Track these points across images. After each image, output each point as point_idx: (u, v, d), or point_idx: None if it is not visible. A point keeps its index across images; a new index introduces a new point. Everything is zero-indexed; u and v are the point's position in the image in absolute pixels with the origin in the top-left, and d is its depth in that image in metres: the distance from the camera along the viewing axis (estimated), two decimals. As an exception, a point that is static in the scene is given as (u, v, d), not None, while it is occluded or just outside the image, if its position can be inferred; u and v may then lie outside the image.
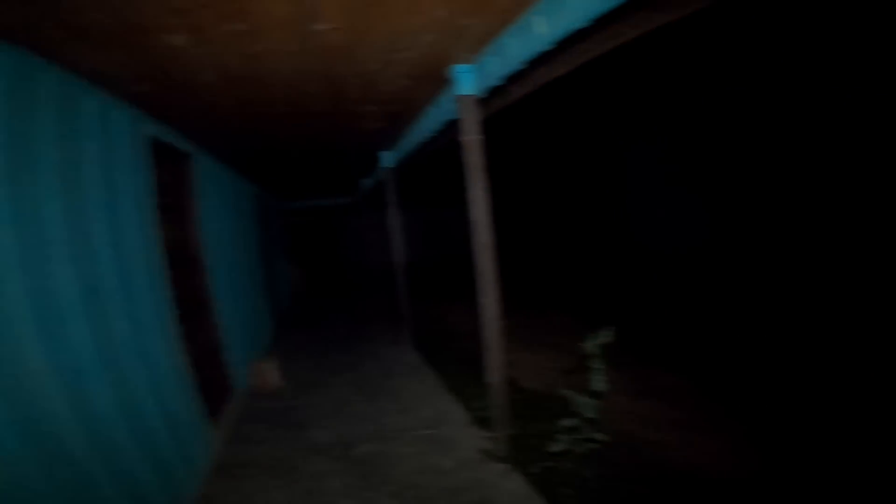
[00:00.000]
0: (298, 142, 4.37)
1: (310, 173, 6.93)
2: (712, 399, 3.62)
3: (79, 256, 2.09)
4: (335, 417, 3.68)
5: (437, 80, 2.89)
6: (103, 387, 2.10)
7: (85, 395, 1.97)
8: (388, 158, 5.49)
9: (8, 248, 1.67)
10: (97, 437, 1.96)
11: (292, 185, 8.35)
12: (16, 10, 1.49)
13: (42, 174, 1.92)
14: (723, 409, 3.44)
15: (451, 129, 3.22)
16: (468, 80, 2.69)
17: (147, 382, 2.50)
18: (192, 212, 3.93)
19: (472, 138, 2.69)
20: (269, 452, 3.17)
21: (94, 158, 2.32)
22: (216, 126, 3.45)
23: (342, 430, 3.43)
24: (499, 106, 2.84)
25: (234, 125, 3.46)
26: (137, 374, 2.43)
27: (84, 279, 2.09)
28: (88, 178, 2.26)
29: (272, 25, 1.88)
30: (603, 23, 1.78)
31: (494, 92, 2.66)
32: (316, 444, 3.24)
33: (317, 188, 9.43)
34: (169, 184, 3.50)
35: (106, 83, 2.33)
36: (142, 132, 2.92)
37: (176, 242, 3.44)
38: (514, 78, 2.44)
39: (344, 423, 3.55)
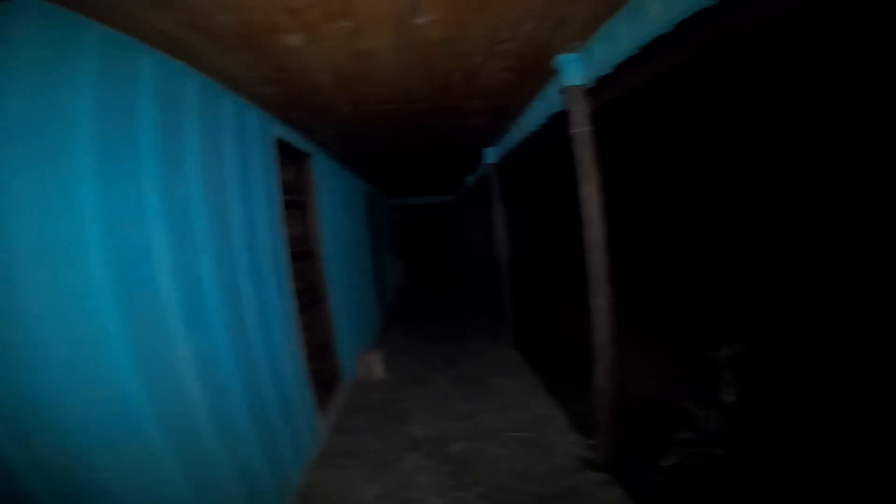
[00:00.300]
0: (406, 139, 4.55)
1: (417, 171, 7.20)
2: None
3: (219, 250, 2.34)
4: (434, 413, 3.77)
5: (541, 72, 2.83)
6: (233, 374, 2.32)
7: (217, 381, 2.18)
8: (491, 154, 5.52)
9: (163, 242, 1.91)
10: (224, 422, 2.16)
11: (400, 182, 8.74)
12: (155, 15, 1.71)
13: (190, 172, 2.18)
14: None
15: (558, 122, 3.14)
16: (575, 70, 2.61)
17: (269, 371, 2.72)
18: (312, 208, 4.28)
19: (581, 131, 2.60)
20: (369, 444, 3.33)
21: (231, 158, 2.59)
22: (332, 126, 3.71)
23: (439, 426, 3.51)
24: (610, 96, 2.72)
25: (348, 124, 3.69)
26: (262, 362, 2.66)
27: (222, 271, 2.34)
28: (228, 176, 2.53)
29: (376, 21, 1.97)
30: (731, 2, 1.62)
31: (604, 81, 2.54)
32: (413, 438, 3.35)
33: (423, 185, 9.78)
34: (291, 182, 3.87)
35: (239, 87, 2.60)
36: (270, 133, 3.23)
37: (297, 237, 3.80)
38: (626, 66, 2.31)
39: (442, 419, 3.63)
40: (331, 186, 5.05)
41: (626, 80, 2.48)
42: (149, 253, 1.86)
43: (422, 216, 14.43)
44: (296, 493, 2.76)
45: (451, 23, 2.06)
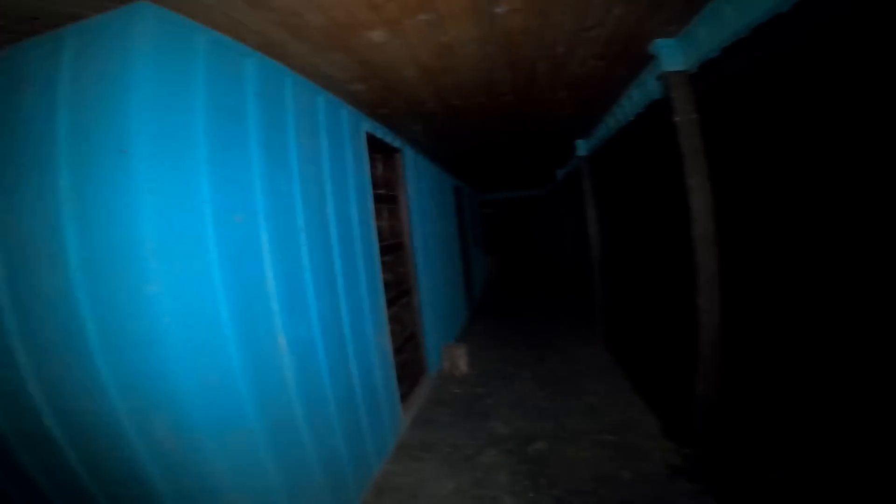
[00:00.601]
0: (493, 133, 4.53)
1: (504, 165, 7.15)
2: None
3: (316, 241, 2.49)
4: (516, 410, 3.75)
5: (635, 58, 2.70)
6: (325, 363, 2.45)
7: (310, 370, 2.32)
8: (582, 147, 5.34)
9: (268, 233, 2.08)
10: (314, 409, 2.30)
11: (488, 177, 8.74)
12: (251, 15, 1.84)
13: (290, 168, 2.35)
14: None
15: (657, 110, 2.98)
16: (675, 55, 2.45)
17: (358, 361, 2.85)
18: (402, 202, 4.43)
19: (685, 119, 2.45)
20: (448, 438, 3.38)
21: (326, 153, 2.74)
22: (419, 121, 3.78)
23: (521, 424, 3.48)
24: (717, 81, 2.53)
25: (435, 119, 3.74)
26: (352, 352, 2.79)
27: (319, 261, 2.50)
28: (323, 171, 2.69)
29: (455, 13, 1.98)
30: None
31: (710, 66, 2.36)
32: (493, 435, 3.35)
33: (512, 180, 9.71)
34: (381, 176, 4.04)
35: (330, 84, 2.73)
36: (360, 128, 3.37)
37: (387, 230, 3.96)
38: (735, 49, 2.13)
39: (524, 417, 3.60)
40: (420, 181, 5.17)
41: (735, 64, 2.29)
42: (256, 244, 2.03)
43: (510, 211, 14.35)
44: (373, 482, 2.86)
45: (532, 11, 2.02)
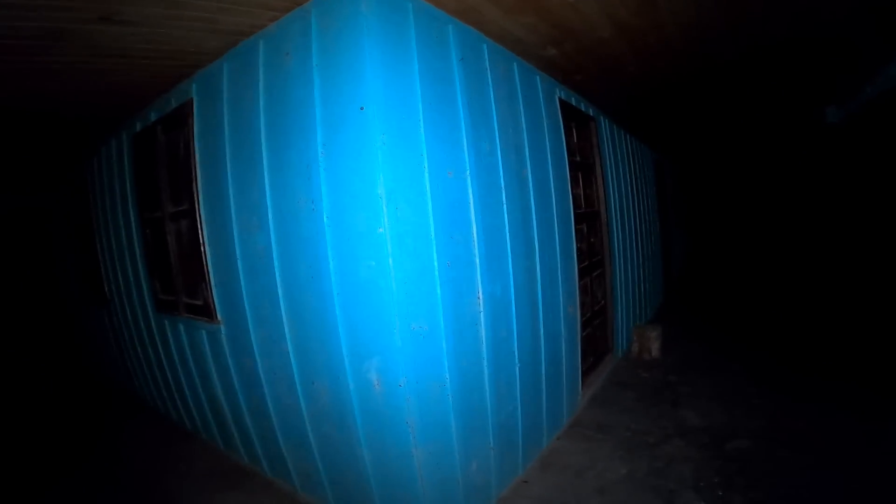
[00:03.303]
0: (705, 100, 4.13)
1: (716, 137, 6.41)
2: None
3: (515, 203, 2.65)
4: (715, 402, 3.45)
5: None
6: (515, 324, 2.57)
7: (502, 329, 2.46)
8: (833, 114, 4.53)
9: (475, 192, 2.28)
10: (498, 371, 2.43)
11: (694, 150, 7.93)
12: None
13: (493, 130, 2.53)
14: None
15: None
16: None
17: (545, 329, 2.92)
18: (597, 171, 4.40)
19: None
20: (628, 422, 3.26)
21: (523, 118, 2.87)
22: (616, 87, 3.66)
23: (720, 418, 3.20)
24: None
25: (634, 83, 3.58)
26: (541, 319, 2.87)
27: (518, 223, 2.65)
28: (521, 136, 2.82)
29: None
30: None
31: None
32: (683, 425, 3.15)
33: (723, 153, 8.65)
34: (575, 144, 4.05)
35: (522, 50, 2.78)
36: (554, 95, 3.42)
37: (581, 199, 3.99)
38: None
39: (725, 411, 3.30)
40: (615, 150, 5.05)
41: None
42: (465, 199, 2.25)
43: (722, 187, 12.87)
44: (540, 455, 2.90)
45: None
